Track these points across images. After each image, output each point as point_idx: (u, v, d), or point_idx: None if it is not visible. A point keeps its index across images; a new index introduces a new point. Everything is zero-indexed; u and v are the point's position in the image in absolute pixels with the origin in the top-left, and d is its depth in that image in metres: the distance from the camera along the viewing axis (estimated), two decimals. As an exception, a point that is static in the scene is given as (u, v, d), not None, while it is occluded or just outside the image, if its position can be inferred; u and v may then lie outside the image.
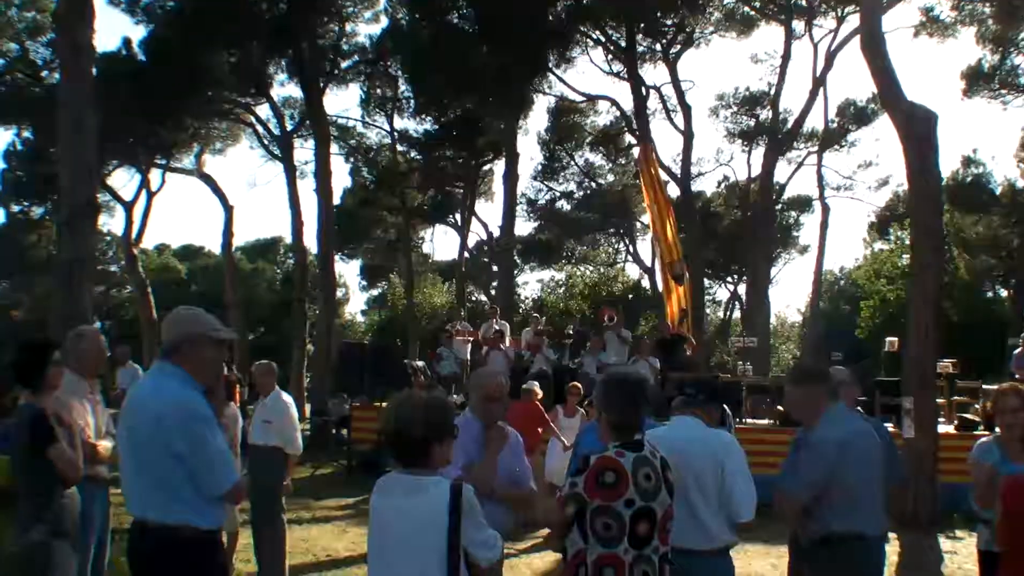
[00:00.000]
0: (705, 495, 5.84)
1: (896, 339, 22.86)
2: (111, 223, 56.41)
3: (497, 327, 23.82)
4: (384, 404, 21.88)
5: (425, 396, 4.87)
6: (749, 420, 20.18)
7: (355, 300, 78.74)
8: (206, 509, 5.19)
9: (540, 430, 15.92)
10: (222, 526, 5.43)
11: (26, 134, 46.16)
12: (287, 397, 11.23)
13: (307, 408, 33.39)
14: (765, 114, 47.77)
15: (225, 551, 6.87)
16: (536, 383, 17.06)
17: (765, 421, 20.31)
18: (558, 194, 56.52)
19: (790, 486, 6.42)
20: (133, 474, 5.27)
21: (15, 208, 50.52)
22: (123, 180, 45.86)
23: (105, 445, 7.42)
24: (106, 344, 8.08)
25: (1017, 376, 18.64)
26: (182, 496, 5.10)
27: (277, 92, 43.37)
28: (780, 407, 19.38)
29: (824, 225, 48.59)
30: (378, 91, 46.42)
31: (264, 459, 10.80)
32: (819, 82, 42.19)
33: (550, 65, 41.60)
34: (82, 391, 7.52)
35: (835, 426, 6.45)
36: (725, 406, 14.18)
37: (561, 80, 44.42)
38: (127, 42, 39.92)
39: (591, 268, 62.30)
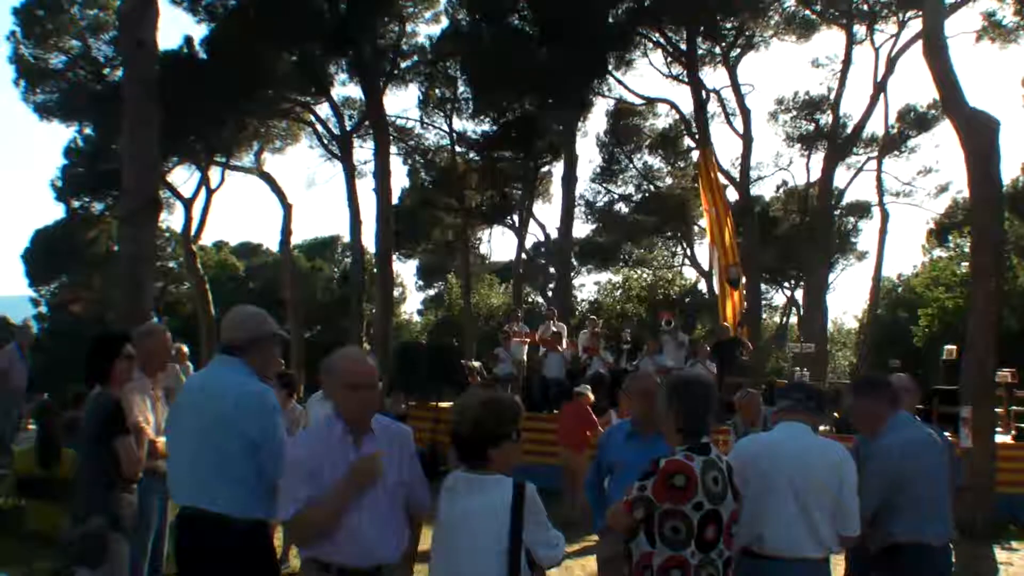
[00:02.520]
0: (821, 504, 5.76)
1: (955, 347, 22.72)
2: (170, 220, 56.84)
3: (554, 329, 23.75)
4: (440, 404, 22.02)
5: (484, 396, 4.95)
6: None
7: (411, 300, 79.07)
8: (265, 499, 5.27)
9: (588, 433, 15.99)
10: (277, 517, 5.45)
11: (87, 131, 46.46)
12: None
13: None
14: (825, 119, 47.46)
15: (279, 544, 6.91)
16: (588, 386, 17.12)
17: (822, 427, 20.23)
18: (616, 196, 56.34)
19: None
20: (190, 463, 5.37)
21: (75, 204, 50.82)
22: (183, 177, 46.23)
23: (163, 441, 7.42)
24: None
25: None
26: (245, 486, 5.21)
27: (337, 92, 43.58)
28: (836, 413, 19.32)
29: (883, 231, 48.27)
30: (437, 92, 46.32)
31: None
32: (880, 87, 41.78)
33: (609, 67, 41.53)
34: (145, 387, 7.55)
35: (899, 434, 6.42)
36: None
37: (620, 82, 44.32)
38: (189, 40, 40.04)
39: (648, 271, 62.08)
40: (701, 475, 4.98)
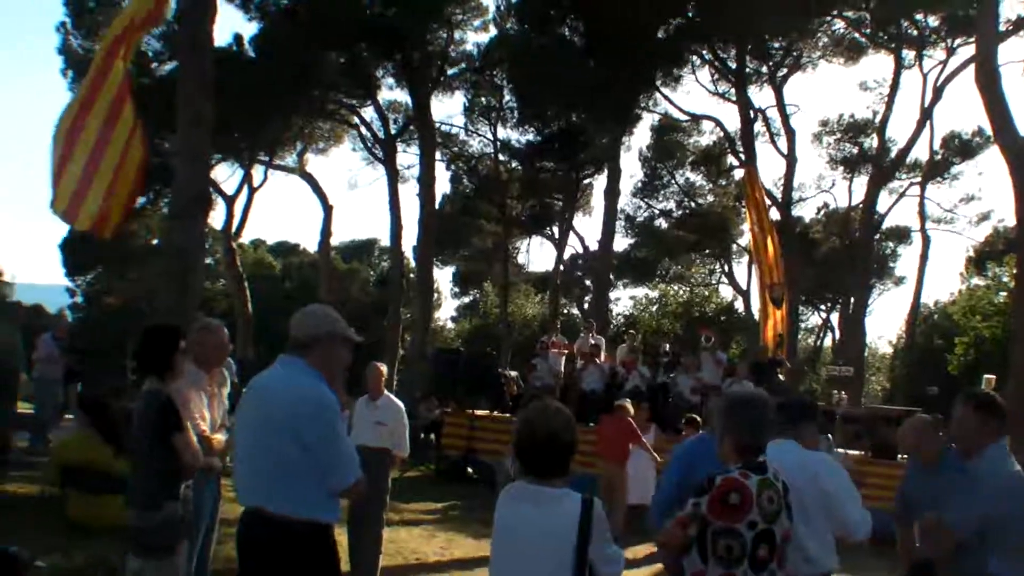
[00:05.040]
0: (805, 518, 5.70)
1: (993, 377, 22.58)
2: (211, 216, 57.04)
3: (593, 341, 23.71)
4: (475, 412, 22.02)
5: (559, 407, 4.89)
6: (839, 450, 19.94)
7: (446, 306, 78.83)
8: (326, 503, 5.25)
9: (631, 445, 15.99)
10: (338, 521, 5.45)
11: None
12: (398, 400, 11.36)
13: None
14: (869, 142, 47.43)
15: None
16: (629, 400, 17.08)
17: (858, 452, 20.13)
18: (657, 212, 56.36)
19: (948, 518, 6.16)
20: (254, 464, 5.33)
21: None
22: (226, 174, 46.24)
23: (218, 438, 7.48)
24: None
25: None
26: (305, 488, 5.15)
27: (383, 95, 43.77)
28: (873, 438, 19.22)
29: (923, 257, 48.20)
30: (483, 100, 46.48)
31: (372, 460, 10.82)
32: (926, 113, 41.64)
33: (656, 82, 41.52)
34: (201, 383, 7.56)
35: (1006, 464, 6.27)
36: (829, 435, 14.10)
37: (666, 98, 44.34)
38: (238, 38, 40.24)
39: (685, 288, 61.96)
40: (757, 494, 4.93)
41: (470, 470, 21.45)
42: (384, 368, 11.60)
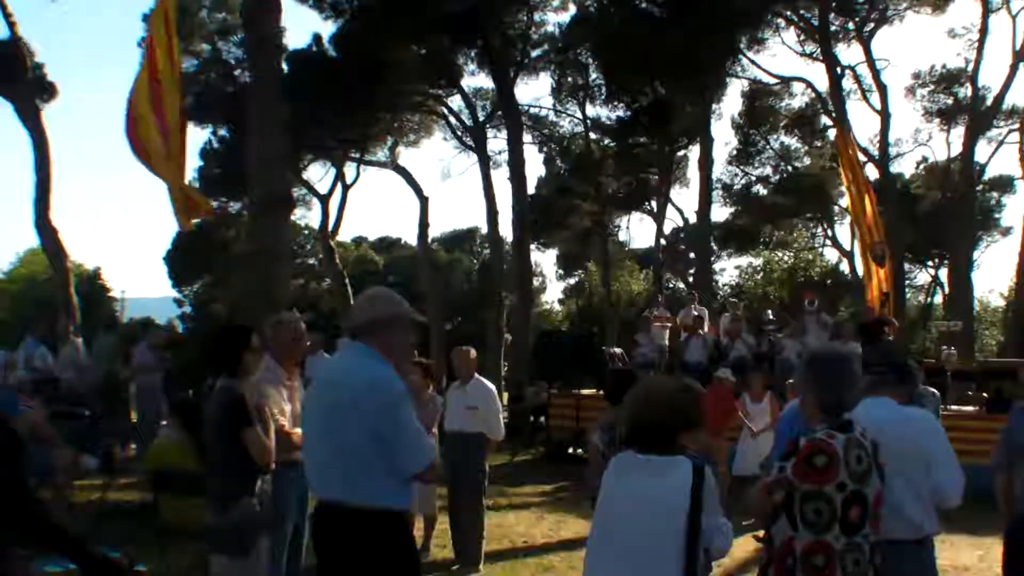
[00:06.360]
0: (907, 480, 5.46)
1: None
2: (308, 216, 57.41)
3: (696, 313, 23.52)
4: (581, 392, 21.93)
5: (672, 383, 4.83)
6: (953, 407, 19.54)
7: (552, 289, 78.82)
8: (399, 489, 5.18)
9: (729, 417, 15.83)
10: (412, 507, 5.41)
11: (221, 132, 47.13)
12: (489, 383, 11.29)
13: (505, 396, 33.55)
14: (963, 91, 46.59)
15: (420, 534, 6.85)
16: (728, 371, 16.92)
17: (970, 408, 19.75)
18: (753, 178, 55.77)
19: None
20: (323, 454, 5.26)
21: (213, 204, 51.65)
22: (319, 174, 46.73)
23: (299, 432, 7.33)
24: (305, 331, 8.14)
25: None
26: (376, 476, 5.07)
27: (468, 83, 43.92)
28: (986, 393, 18.85)
29: (1029, 206, 47.36)
30: (568, 79, 46.29)
31: (465, 445, 10.87)
32: (1018, 56, 40.75)
33: (742, 47, 41.16)
34: (279, 377, 7.61)
35: None
36: (934, 390, 13.80)
37: (753, 62, 44.00)
38: (317, 39, 40.66)
39: (788, 253, 61.30)
40: (844, 454, 4.76)
41: (579, 451, 21.33)
42: (473, 352, 11.54)
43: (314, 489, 5.43)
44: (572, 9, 42.76)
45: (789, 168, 54.16)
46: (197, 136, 47.83)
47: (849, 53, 43.90)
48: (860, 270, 28.34)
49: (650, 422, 4.61)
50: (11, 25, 33.60)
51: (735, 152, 54.63)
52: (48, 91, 34.04)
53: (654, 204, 53.63)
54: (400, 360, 5.46)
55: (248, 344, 6.81)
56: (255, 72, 16.49)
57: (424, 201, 45.38)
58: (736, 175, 55.53)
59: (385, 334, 5.34)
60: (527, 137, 42.85)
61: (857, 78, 43.23)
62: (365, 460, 5.05)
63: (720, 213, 55.15)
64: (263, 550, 6.63)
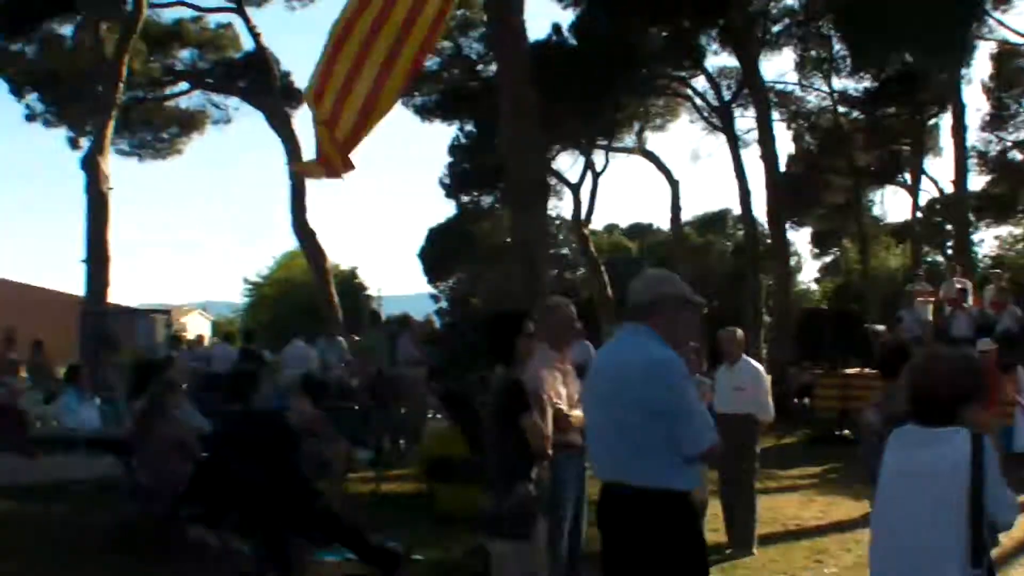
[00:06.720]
0: None
1: None
2: (560, 206, 57.78)
3: (959, 285, 22.85)
4: (846, 371, 21.48)
5: (954, 353, 4.78)
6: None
7: (808, 268, 77.71)
8: (683, 470, 5.09)
9: (994, 391, 15.19)
10: (697, 488, 5.36)
11: (468, 127, 47.70)
12: (757, 363, 11.15)
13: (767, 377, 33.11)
14: None
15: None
16: (988, 340, 16.43)
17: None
18: (1009, 144, 53.60)
19: None
20: (607, 437, 5.24)
21: (464, 199, 52.40)
22: (568, 163, 47.06)
23: (577, 415, 7.42)
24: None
25: None
26: (660, 457, 5.00)
27: (711, 62, 43.51)
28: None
29: None
30: (812, 53, 45.48)
31: (735, 427, 10.63)
32: None
33: (987, 8, 39.81)
34: (552, 362, 7.65)
35: None
36: None
37: (1000, 23, 42.47)
38: (557, 28, 40.71)
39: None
40: None
41: (846, 432, 20.84)
42: (739, 332, 11.48)
43: (597, 471, 5.44)
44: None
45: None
46: (445, 133, 48.70)
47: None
48: None
49: (929, 392, 4.45)
50: (255, 36, 34.63)
51: (988, 118, 52.63)
52: (296, 98, 34.77)
53: (907, 176, 52.57)
54: (681, 341, 5.42)
55: (520, 330, 6.83)
56: (502, 63, 16.58)
57: (675, 185, 45.36)
58: (991, 141, 53.46)
59: (665, 315, 5.26)
60: (775, 114, 42.24)
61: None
62: (650, 442, 4.99)
63: (977, 182, 53.46)
64: (542, 534, 6.65)
